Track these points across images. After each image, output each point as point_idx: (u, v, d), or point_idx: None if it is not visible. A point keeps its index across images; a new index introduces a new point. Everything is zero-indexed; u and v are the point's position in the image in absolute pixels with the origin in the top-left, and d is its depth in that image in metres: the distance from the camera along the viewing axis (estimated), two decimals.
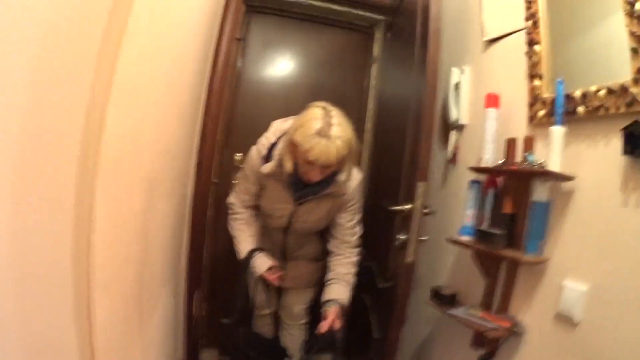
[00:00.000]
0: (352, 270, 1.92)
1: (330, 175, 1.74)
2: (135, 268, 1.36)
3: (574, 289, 1.31)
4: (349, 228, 1.92)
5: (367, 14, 3.00)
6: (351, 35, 3.13)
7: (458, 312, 1.67)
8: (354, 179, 1.87)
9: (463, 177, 2.01)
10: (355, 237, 1.95)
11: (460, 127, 2.14)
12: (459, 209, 1.97)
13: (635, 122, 1.11)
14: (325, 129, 1.55)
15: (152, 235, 1.55)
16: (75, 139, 0.82)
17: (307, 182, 1.75)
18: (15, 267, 0.77)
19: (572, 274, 1.34)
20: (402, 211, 1.84)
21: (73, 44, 0.79)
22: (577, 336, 1.28)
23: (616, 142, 1.22)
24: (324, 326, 1.71)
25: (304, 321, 2.25)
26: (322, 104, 1.67)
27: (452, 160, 2.18)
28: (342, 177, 1.76)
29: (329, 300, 1.81)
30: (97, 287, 0.99)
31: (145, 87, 1.20)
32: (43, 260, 0.82)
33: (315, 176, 1.67)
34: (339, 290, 1.85)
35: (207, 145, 2.38)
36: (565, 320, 1.33)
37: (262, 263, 1.95)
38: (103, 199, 0.98)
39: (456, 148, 2.16)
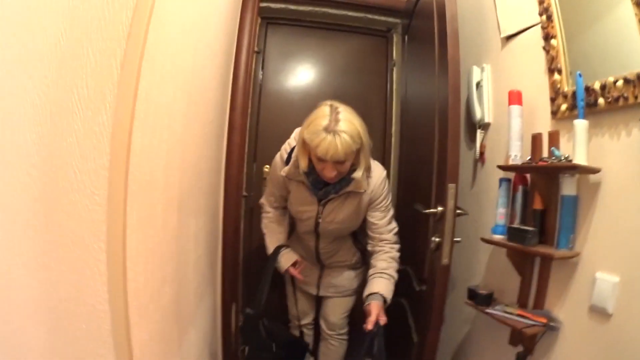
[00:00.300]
0: (393, 264, 1.97)
1: (349, 172, 1.83)
2: (172, 287, 1.42)
3: (606, 281, 1.35)
4: (383, 226, 1.99)
5: (383, 18, 3.09)
6: (369, 40, 3.22)
7: (495, 310, 1.73)
8: (376, 175, 1.95)
9: (492, 175, 2.07)
10: (392, 233, 2.01)
11: (485, 126, 2.20)
12: (489, 208, 2.03)
13: None
14: (332, 125, 1.66)
15: (186, 253, 1.62)
16: (102, 166, 0.87)
17: (326, 181, 1.84)
18: (49, 299, 0.82)
19: (603, 266, 1.39)
20: (435, 213, 1.89)
21: (93, 73, 0.83)
22: (612, 327, 1.33)
23: (637, 132, 1.27)
24: (369, 323, 1.74)
25: (343, 331, 2.31)
26: (330, 101, 1.77)
27: (480, 159, 2.23)
28: (359, 173, 1.83)
29: (370, 294, 1.86)
30: (135, 312, 1.03)
31: (168, 106, 1.26)
32: (78, 289, 0.87)
33: (329, 172, 1.75)
34: (381, 283, 1.90)
35: (235, 159, 2.48)
36: (599, 312, 1.37)
37: (287, 259, 2.10)
38: (135, 222, 1.02)
39: (483, 147, 2.21)
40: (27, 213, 0.78)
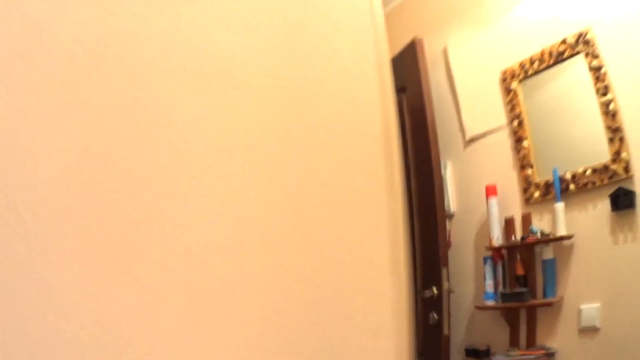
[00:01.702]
0: None
1: None
2: None
3: (590, 308, 2.10)
4: None
5: None
6: None
7: (501, 358, 2.33)
8: None
9: (462, 254, 2.79)
10: None
11: (450, 215, 2.90)
12: (464, 281, 2.73)
13: (619, 188, 1.97)
14: None
15: None
16: None
17: None
18: None
19: (584, 300, 2.13)
20: (432, 295, 2.47)
21: None
22: (602, 337, 2.05)
23: (602, 205, 2.08)
24: None
25: None
26: None
27: (447, 242, 2.89)
28: None
29: None
30: None
31: None
32: None
33: None
34: None
35: None
36: (589, 330, 2.09)
37: None
38: None
39: (449, 232, 2.89)
40: None
